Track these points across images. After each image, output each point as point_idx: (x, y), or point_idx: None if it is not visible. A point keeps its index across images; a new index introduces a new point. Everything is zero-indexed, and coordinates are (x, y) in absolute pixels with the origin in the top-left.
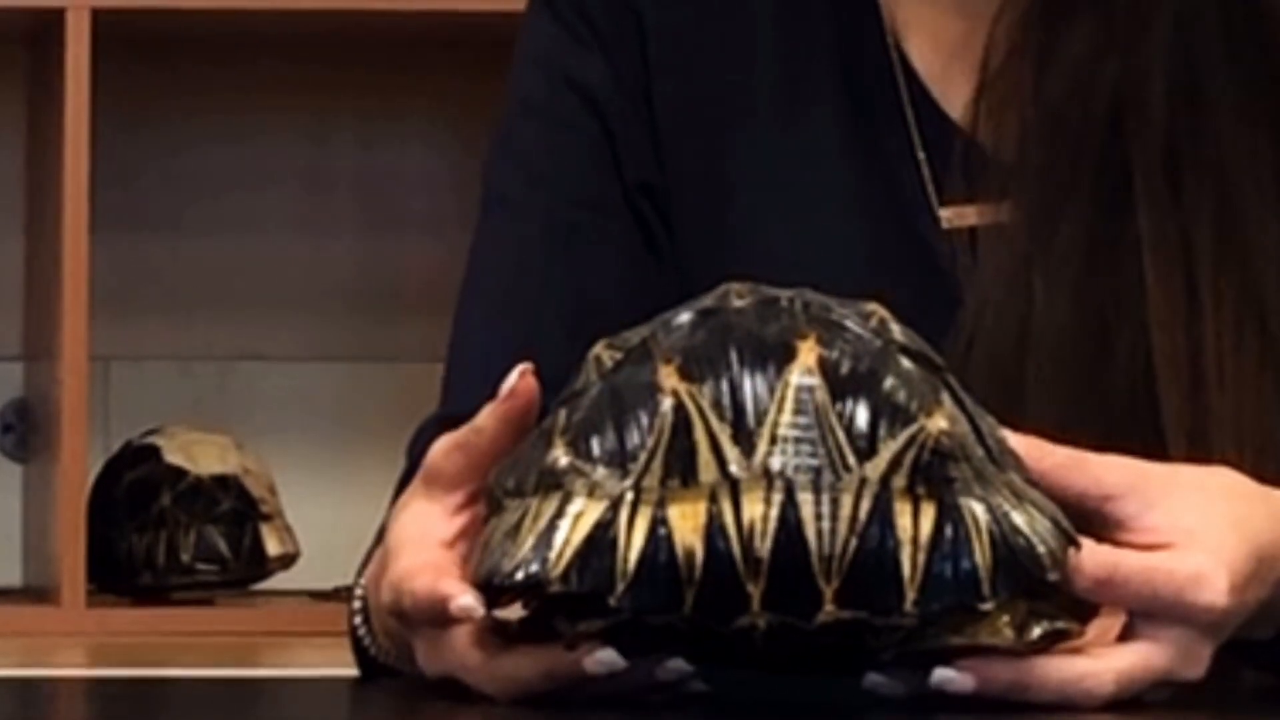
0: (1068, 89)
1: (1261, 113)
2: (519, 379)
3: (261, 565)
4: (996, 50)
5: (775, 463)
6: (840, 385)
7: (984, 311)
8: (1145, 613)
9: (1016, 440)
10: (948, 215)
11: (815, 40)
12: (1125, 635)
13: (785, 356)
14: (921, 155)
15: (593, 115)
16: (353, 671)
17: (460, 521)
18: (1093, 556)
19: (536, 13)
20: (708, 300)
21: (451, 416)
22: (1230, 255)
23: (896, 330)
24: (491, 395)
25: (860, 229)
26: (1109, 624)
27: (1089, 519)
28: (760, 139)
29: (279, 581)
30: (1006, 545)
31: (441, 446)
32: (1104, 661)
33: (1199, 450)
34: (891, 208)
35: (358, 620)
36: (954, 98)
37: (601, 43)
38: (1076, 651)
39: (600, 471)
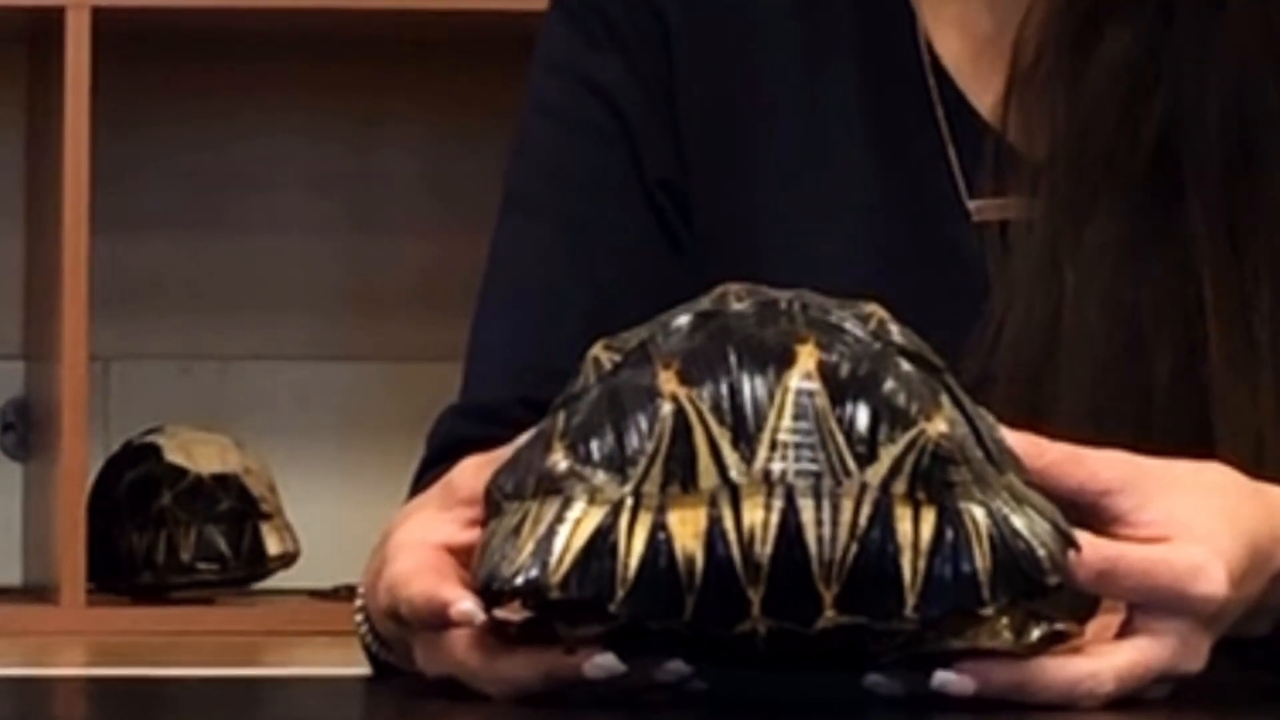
0: (1105, 89)
1: None
2: None
3: (262, 564)
4: (1027, 46)
5: (775, 468)
6: (840, 389)
7: (1013, 302)
8: (1145, 605)
9: (1014, 438)
10: (977, 207)
11: (840, 35)
12: (1124, 631)
13: (784, 360)
14: (951, 151)
15: (611, 114)
16: (354, 670)
17: (472, 535)
18: (1094, 550)
19: (553, 17)
20: (706, 303)
21: (471, 406)
22: None
23: (895, 332)
24: (513, 386)
25: (887, 225)
26: (1108, 621)
27: (1086, 514)
28: (785, 136)
29: (279, 581)
30: (1006, 549)
31: (474, 464)
32: (1104, 660)
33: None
34: (919, 204)
35: (359, 619)
36: (984, 94)
37: (620, 43)
38: (1076, 651)
39: (600, 476)
